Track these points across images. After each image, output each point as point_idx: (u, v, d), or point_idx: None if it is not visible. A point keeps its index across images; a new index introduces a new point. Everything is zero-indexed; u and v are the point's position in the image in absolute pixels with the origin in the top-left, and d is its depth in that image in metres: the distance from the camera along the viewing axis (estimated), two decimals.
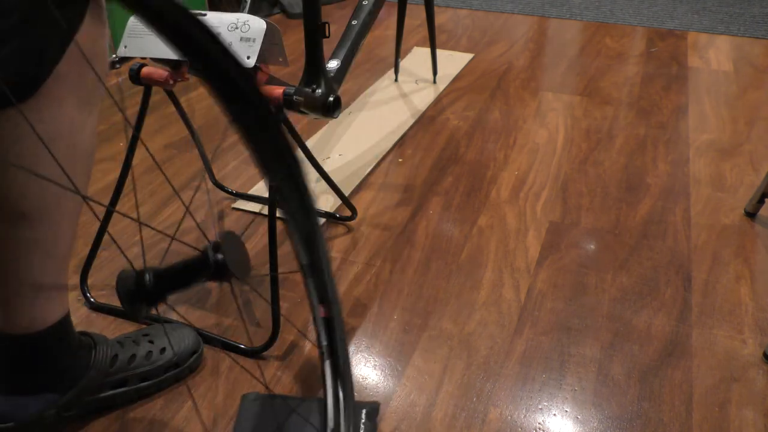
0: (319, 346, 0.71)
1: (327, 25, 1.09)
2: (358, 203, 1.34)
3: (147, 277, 0.49)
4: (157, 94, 1.78)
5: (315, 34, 1.09)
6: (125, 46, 0.93)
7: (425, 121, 1.69)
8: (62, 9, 0.61)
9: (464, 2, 2.72)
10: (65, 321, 0.77)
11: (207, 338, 0.99)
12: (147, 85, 1.00)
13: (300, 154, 1.05)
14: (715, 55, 2.17)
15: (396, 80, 1.93)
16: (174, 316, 1.04)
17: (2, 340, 0.74)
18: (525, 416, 0.88)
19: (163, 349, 0.90)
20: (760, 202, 1.29)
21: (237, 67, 0.48)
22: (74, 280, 1.10)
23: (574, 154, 1.54)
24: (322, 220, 1.28)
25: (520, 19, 2.53)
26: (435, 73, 1.92)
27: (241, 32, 0.89)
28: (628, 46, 2.25)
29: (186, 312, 1.05)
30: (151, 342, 0.90)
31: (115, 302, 1.07)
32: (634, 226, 1.28)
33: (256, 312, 1.05)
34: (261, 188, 1.39)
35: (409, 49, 2.18)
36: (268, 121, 0.53)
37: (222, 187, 1.38)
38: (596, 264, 1.17)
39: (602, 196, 1.38)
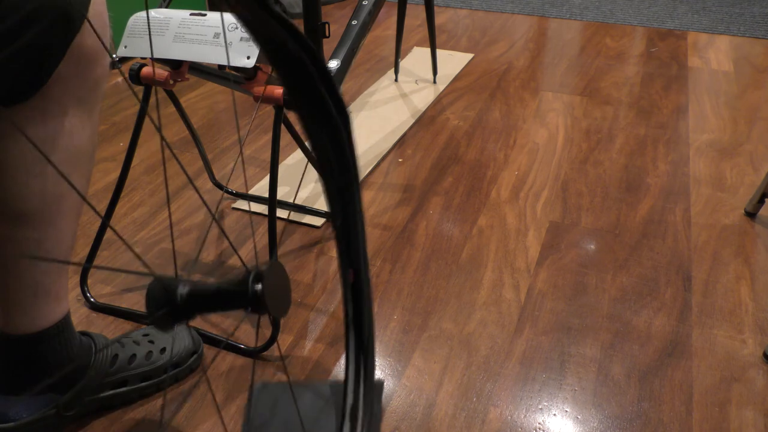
0: (345, 315, 0.67)
1: (327, 25, 1.09)
2: None
3: (180, 291, 0.46)
4: (157, 94, 1.78)
5: (315, 34, 1.09)
6: (125, 46, 0.93)
7: (425, 121, 1.69)
8: (64, 10, 0.60)
9: (464, 2, 2.72)
10: (65, 321, 0.77)
11: (207, 338, 0.99)
12: (147, 85, 1.00)
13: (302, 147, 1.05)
14: (715, 55, 2.17)
15: (396, 80, 1.93)
16: None
17: (2, 340, 0.74)
18: (525, 416, 0.88)
19: (163, 349, 0.90)
20: (760, 202, 1.29)
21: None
22: (74, 280, 1.10)
23: (574, 154, 1.54)
24: (321, 220, 1.28)
25: (520, 19, 2.53)
26: (435, 73, 1.92)
27: (241, 32, 0.89)
28: (628, 46, 2.25)
29: None
30: (151, 342, 0.90)
31: (115, 302, 1.07)
32: (634, 226, 1.28)
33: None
34: (261, 188, 1.39)
35: (409, 49, 2.18)
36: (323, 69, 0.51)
37: (222, 187, 1.38)
38: (596, 264, 1.17)
39: (602, 196, 1.38)
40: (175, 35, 0.90)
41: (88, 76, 0.66)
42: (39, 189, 0.67)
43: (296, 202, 1.33)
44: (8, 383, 0.77)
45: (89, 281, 1.10)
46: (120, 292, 1.09)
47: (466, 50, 2.18)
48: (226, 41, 0.89)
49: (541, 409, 0.90)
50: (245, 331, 1.01)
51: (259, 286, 0.45)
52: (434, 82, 1.92)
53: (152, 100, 1.75)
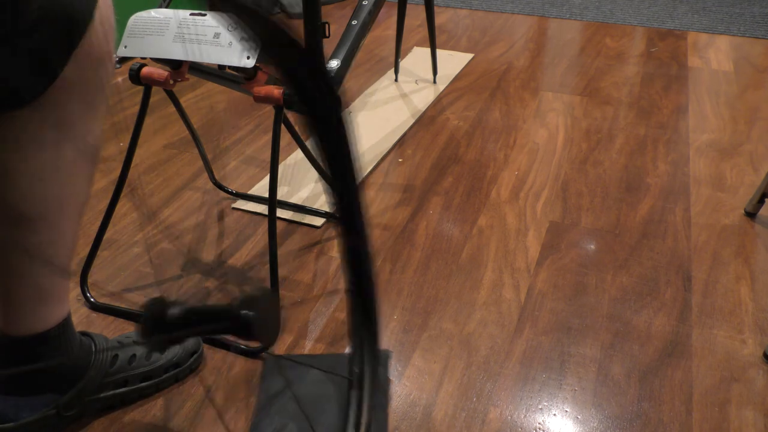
0: (347, 282, 0.66)
1: (327, 25, 1.09)
2: None
3: (174, 312, 0.47)
4: (157, 94, 1.78)
5: (315, 34, 1.09)
6: (125, 46, 0.93)
7: (425, 121, 1.69)
8: (70, 13, 0.60)
9: (464, 2, 2.72)
10: (66, 322, 0.77)
11: (207, 338, 0.99)
12: (147, 85, 1.00)
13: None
14: (715, 55, 2.17)
15: (396, 80, 1.93)
16: None
17: (3, 341, 0.74)
18: (525, 416, 0.88)
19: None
20: (760, 202, 1.29)
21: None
22: (74, 280, 1.10)
23: (574, 154, 1.54)
24: (321, 220, 1.28)
25: (520, 19, 2.53)
26: (435, 73, 1.92)
27: (241, 32, 0.88)
28: (628, 46, 2.25)
29: None
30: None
31: (115, 302, 1.07)
32: (634, 226, 1.28)
33: None
34: (261, 188, 1.39)
35: (409, 49, 2.18)
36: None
37: (222, 187, 1.38)
38: (596, 264, 1.17)
39: (602, 196, 1.38)
40: (175, 35, 0.90)
41: (92, 79, 0.66)
42: (42, 193, 0.67)
43: (296, 202, 1.33)
44: (9, 383, 0.77)
45: (89, 281, 1.10)
46: (120, 292, 1.09)
47: (466, 50, 2.18)
48: (226, 41, 0.89)
49: (541, 409, 0.90)
50: None
51: (249, 314, 0.46)
52: (434, 82, 1.92)
53: (152, 100, 1.75)
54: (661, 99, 1.83)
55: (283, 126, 0.98)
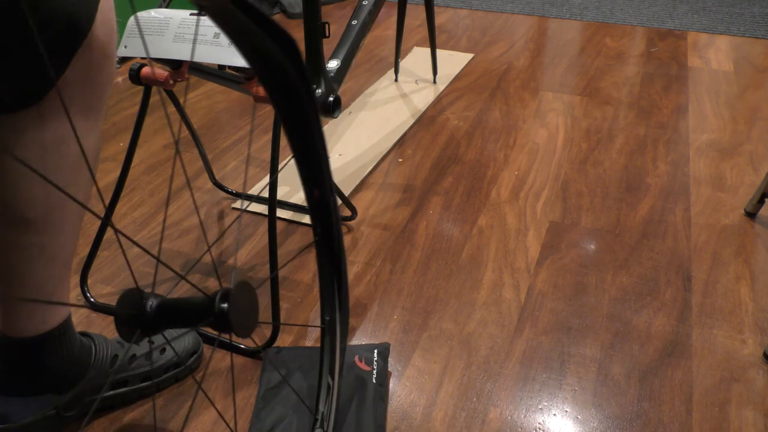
0: (314, 234, 0.68)
1: (327, 25, 1.09)
2: (358, 203, 1.34)
3: (149, 304, 0.47)
4: (157, 94, 1.78)
5: (315, 34, 1.09)
6: (125, 46, 0.93)
7: (425, 121, 1.69)
8: (71, 16, 0.60)
9: (464, 2, 2.72)
10: (66, 323, 0.77)
11: (207, 338, 0.99)
12: (147, 85, 1.00)
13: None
14: (715, 55, 2.17)
15: (396, 80, 1.93)
16: None
17: (4, 342, 0.74)
18: (525, 416, 0.88)
19: (163, 350, 0.90)
20: (760, 202, 1.29)
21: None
22: (74, 280, 1.10)
23: (574, 154, 1.54)
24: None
25: (520, 19, 2.53)
26: (435, 73, 1.92)
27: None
28: (628, 46, 2.25)
29: None
30: (151, 342, 0.90)
31: (115, 302, 1.07)
32: (634, 226, 1.28)
33: None
34: (261, 188, 1.39)
35: (409, 49, 2.18)
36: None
37: (222, 187, 1.38)
38: (596, 264, 1.17)
39: (602, 196, 1.38)
40: (175, 35, 0.90)
41: (93, 82, 0.66)
42: (42, 195, 0.67)
43: (296, 202, 1.33)
44: (9, 384, 0.77)
45: (89, 281, 1.10)
46: (120, 292, 1.09)
47: (466, 50, 2.18)
48: (226, 41, 0.89)
49: (541, 409, 0.90)
50: None
51: (225, 306, 0.46)
52: (434, 82, 1.92)
53: (152, 100, 1.75)
54: (661, 99, 1.83)
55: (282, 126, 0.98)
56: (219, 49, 0.88)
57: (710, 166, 1.49)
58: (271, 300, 1.00)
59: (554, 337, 1.01)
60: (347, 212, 1.28)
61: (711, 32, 2.39)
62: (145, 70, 0.98)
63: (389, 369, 0.95)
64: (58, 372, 0.78)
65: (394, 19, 2.49)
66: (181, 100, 1.79)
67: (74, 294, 1.07)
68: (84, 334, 0.83)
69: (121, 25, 0.76)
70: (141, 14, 0.94)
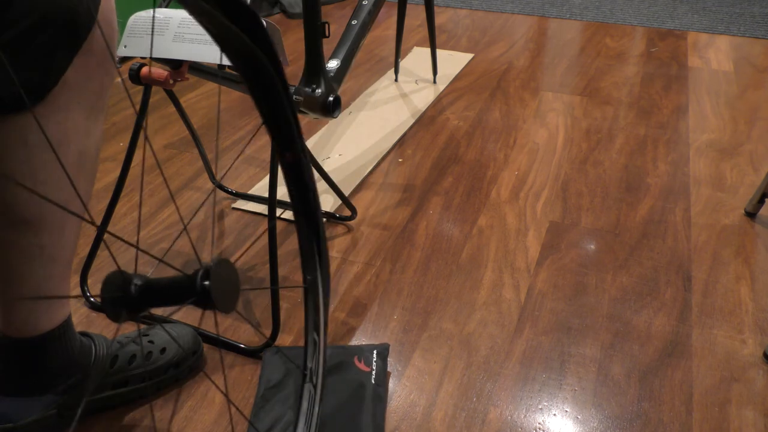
0: (290, 196, 0.69)
1: (327, 25, 1.09)
2: (358, 203, 1.34)
3: (133, 284, 0.48)
4: (157, 94, 1.78)
5: (315, 34, 1.09)
6: (125, 46, 0.93)
7: (425, 121, 1.69)
8: (72, 17, 0.60)
9: (464, 2, 2.72)
10: (67, 324, 0.77)
11: (207, 338, 0.99)
12: (147, 85, 1.00)
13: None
14: (715, 55, 2.17)
15: (396, 80, 1.93)
16: (174, 316, 1.04)
17: (4, 343, 0.74)
18: (525, 416, 0.88)
19: (163, 350, 0.90)
20: (760, 202, 1.29)
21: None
22: (74, 280, 1.10)
23: (574, 154, 1.54)
24: (324, 221, 1.28)
25: (520, 19, 2.53)
26: (435, 73, 1.92)
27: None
28: (628, 46, 2.25)
29: (186, 312, 1.05)
30: (151, 342, 0.90)
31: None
32: (634, 226, 1.28)
33: (256, 312, 1.05)
34: (261, 188, 1.39)
35: (409, 49, 2.18)
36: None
37: (222, 187, 1.38)
38: (596, 264, 1.17)
39: (602, 196, 1.38)
40: (175, 35, 0.90)
41: (94, 82, 0.66)
42: (43, 195, 0.67)
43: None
44: (10, 384, 0.77)
45: (89, 281, 1.10)
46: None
47: (466, 50, 2.18)
48: None
49: (541, 409, 0.90)
50: (245, 330, 1.01)
51: (206, 283, 0.48)
52: (434, 82, 1.92)
53: (152, 100, 1.75)
54: (661, 99, 1.83)
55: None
56: (218, 48, 0.88)
57: (710, 166, 1.49)
58: (271, 300, 1.00)
59: (554, 337, 1.01)
60: (347, 212, 1.28)
61: (711, 32, 2.39)
62: (145, 70, 0.98)
63: (388, 369, 0.95)
64: (58, 372, 0.78)
65: (394, 19, 2.49)
66: (181, 101, 1.79)
67: (74, 294, 1.07)
68: (84, 334, 0.83)
69: (121, 25, 0.76)
70: (141, 14, 0.94)
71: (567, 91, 1.88)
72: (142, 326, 1.00)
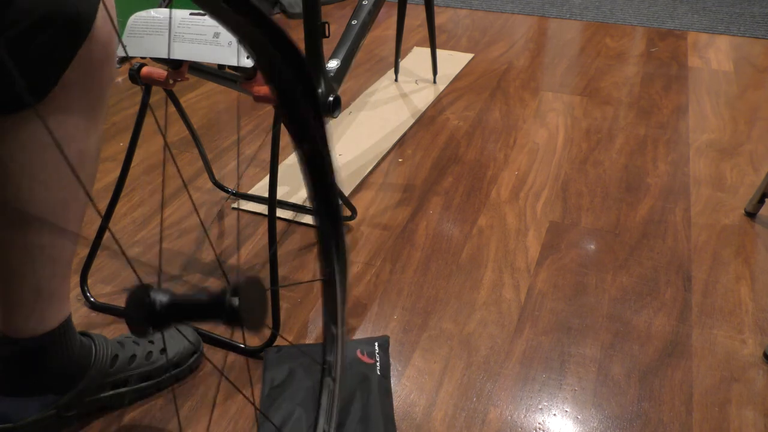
0: (309, 197, 0.69)
1: (327, 25, 1.09)
2: (358, 203, 1.34)
3: (159, 301, 0.48)
4: (157, 94, 1.78)
5: (315, 34, 1.09)
6: (125, 46, 0.93)
7: (425, 120, 1.69)
8: (73, 15, 0.60)
9: (464, 2, 2.72)
10: (67, 324, 0.77)
11: (207, 338, 0.99)
12: (147, 85, 1.00)
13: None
14: (715, 55, 2.17)
15: (396, 80, 1.93)
16: None
17: (4, 343, 0.74)
18: (525, 416, 0.88)
19: (163, 350, 0.90)
20: (760, 202, 1.29)
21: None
22: (74, 280, 1.10)
23: (574, 154, 1.54)
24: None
25: (520, 19, 2.53)
26: (435, 73, 1.92)
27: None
28: (628, 46, 2.25)
29: None
30: (151, 342, 0.90)
31: (115, 302, 1.07)
32: (634, 226, 1.28)
33: None
34: (261, 188, 1.39)
35: (409, 49, 2.18)
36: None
37: (222, 187, 1.38)
38: (596, 264, 1.17)
39: (602, 196, 1.38)
40: (175, 35, 0.90)
41: (94, 83, 0.66)
42: (43, 195, 0.67)
43: (296, 202, 1.33)
44: (9, 384, 0.77)
45: (89, 281, 1.10)
46: (120, 292, 1.09)
47: (466, 50, 2.18)
48: (226, 40, 0.89)
49: (541, 409, 0.90)
50: (245, 330, 1.01)
51: (236, 301, 0.47)
52: (434, 82, 1.92)
53: (153, 99, 1.75)
54: (661, 99, 1.83)
55: (282, 126, 0.98)
56: (219, 49, 0.88)
57: (710, 166, 1.49)
58: (270, 301, 1.00)
59: (554, 337, 1.01)
60: (347, 212, 1.28)
61: (711, 32, 2.39)
62: (145, 70, 0.98)
63: (391, 360, 0.96)
64: (59, 372, 0.78)
65: (394, 19, 2.49)
66: (181, 101, 1.79)
67: (74, 294, 1.07)
68: (84, 334, 0.83)
69: (121, 25, 0.76)
70: (141, 14, 0.94)
71: (567, 91, 1.88)
72: None
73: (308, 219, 1.28)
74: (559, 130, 1.65)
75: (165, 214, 1.30)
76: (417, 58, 2.10)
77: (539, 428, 0.87)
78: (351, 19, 1.33)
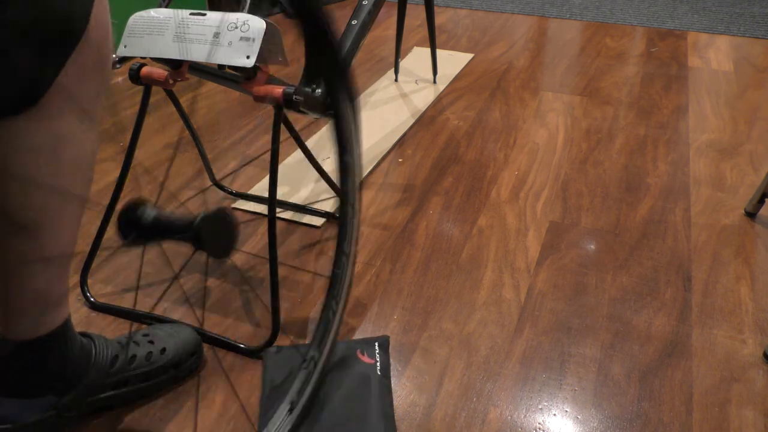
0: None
1: None
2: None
3: (146, 214, 0.53)
4: (157, 94, 1.78)
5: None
6: (125, 46, 0.93)
7: (425, 120, 1.69)
8: (65, 18, 0.60)
9: (464, 2, 2.72)
10: (66, 325, 0.77)
11: (207, 338, 0.99)
12: (147, 85, 1.00)
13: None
14: (715, 55, 2.17)
15: (396, 80, 1.93)
16: (174, 316, 1.04)
17: (4, 344, 0.74)
18: (525, 416, 0.88)
19: (163, 350, 0.90)
20: (760, 202, 1.29)
21: None
22: (74, 279, 1.10)
23: (574, 154, 1.54)
24: (321, 220, 1.28)
25: (520, 19, 2.53)
26: (435, 73, 1.92)
27: (241, 32, 0.89)
28: (628, 46, 2.25)
29: (186, 312, 1.05)
30: (151, 342, 0.90)
31: (115, 302, 1.07)
32: (634, 226, 1.28)
33: (256, 312, 1.05)
34: (261, 188, 1.39)
35: (409, 49, 2.18)
36: None
37: (222, 187, 1.38)
38: (596, 264, 1.17)
39: (602, 196, 1.38)
40: (175, 35, 0.90)
41: (89, 86, 0.66)
42: (40, 200, 0.66)
43: (296, 202, 1.33)
44: (10, 385, 0.77)
45: (89, 281, 1.10)
46: (120, 292, 1.09)
47: (466, 50, 2.18)
48: (226, 40, 0.89)
49: (541, 409, 0.90)
50: (245, 330, 1.01)
51: (201, 226, 0.53)
52: (434, 82, 1.92)
53: (152, 100, 1.75)
54: (661, 99, 1.83)
55: (283, 126, 0.98)
56: (219, 48, 0.88)
57: (710, 166, 1.49)
58: (270, 301, 1.00)
59: (554, 337, 1.01)
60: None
61: (711, 32, 2.39)
62: (145, 69, 0.98)
63: (390, 360, 0.96)
64: (58, 373, 0.78)
65: (394, 19, 2.49)
66: (181, 100, 1.79)
67: (74, 294, 1.07)
68: (84, 334, 0.83)
69: (119, 26, 0.76)
70: (141, 14, 0.94)
71: (567, 91, 1.88)
72: (143, 327, 1.00)
73: (308, 219, 1.28)
74: (559, 130, 1.65)
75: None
76: (417, 58, 2.10)
77: (539, 428, 0.87)
78: (351, 19, 1.33)
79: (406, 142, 1.59)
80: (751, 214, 1.31)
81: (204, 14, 0.92)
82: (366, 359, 0.93)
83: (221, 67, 0.91)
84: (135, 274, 1.14)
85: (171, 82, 0.97)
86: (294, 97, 0.92)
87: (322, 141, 1.59)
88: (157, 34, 0.91)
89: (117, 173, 1.43)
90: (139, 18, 0.93)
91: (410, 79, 1.94)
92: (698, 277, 1.14)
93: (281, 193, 1.36)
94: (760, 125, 1.69)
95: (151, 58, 0.93)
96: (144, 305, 1.06)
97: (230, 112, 1.74)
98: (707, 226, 1.28)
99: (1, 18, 0.57)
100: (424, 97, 1.82)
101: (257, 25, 0.88)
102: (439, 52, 2.13)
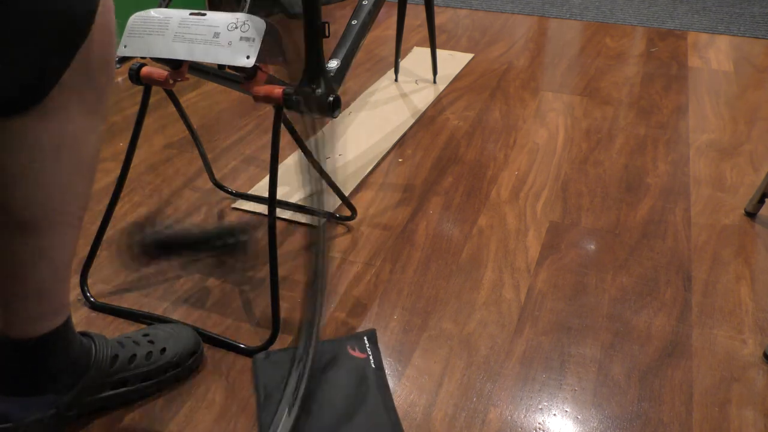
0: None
1: (327, 25, 1.09)
2: (358, 203, 1.34)
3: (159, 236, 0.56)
4: (157, 94, 1.78)
5: (315, 34, 1.09)
6: (125, 46, 0.93)
7: (425, 120, 1.69)
8: (70, 18, 0.60)
9: (464, 2, 2.72)
10: (67, 324, 0.77)
11: (207, 338, 0.99)
12: (147, 85, 1.00)
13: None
14: (715, 55, 2.17)
15: (396, 80, 1.93)
16: (174, 316, 1.04)
17: (4, 343, 0.74)
18: (525, 416, 0.88)
19: (163, 350, 0.90)
20: (761, 202, 1.29)
21: None
22: (74, 279, 1.10)
23: (574, 154, 1.54)
24: (321, 220, 1.28)
25: (520, 19, 2.53)
26: (435, 73, 1.92)
27: (241, 32, 0.89)
28: (628, 46, 2.25)
29: (186, 312, 1.05)
30: (151, 342, 0.90)
31: (115, 302, 1.07)
32: (634, 226, 1.28)
33: (256, 312, 1.05)
34: (261, 188, 1.39)
35: (409, 49, 2.18)
36: None
37: (222, 187, 1.38)
38: (596, 264, 1.17)
39: (602, 196, 1.38)
40: (175, 35, 0.90)
41: (93, 85, 0.66)
42: (42, 199, 0.66)
43: (296, 202, 1.33)
44: (10, 385, 0.77)
45: (89, 281, 1.10)
46: (120, 292, 1.09)
47: (466, 50, 2.18)
48: (226, 40, 0.89)
49: (541, 409, 0.90)
50: (245, 330, 1.01)
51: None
52: (434, 82, 1.92)
53: (152, 100, 1.75)
54: (661, 99, 1.83)
55: (282, 126, 0.98)
56: (219, 48, 0.88)
57: (710, 166, 1.49)
58: (270, 301, 1.00)
59: (554, 337, 1.01)
60: (347, 212, 1.28)
61: (711, 32, 2.39)
62: (145, 69, 0.98)
63: (379, 347, 0.98)
64: (58, 372, 0.78)
65: (394, 19, 2.49)
66: (181, 100, 1.79)
67: (74, 294, 1.07)
68: (84, 334, 0.83)
69: (120, 26, 0.76)
70: (141, 14, 0.94)
71: (567, 91, 1.88)
72: (143, 327, 1.00)
73: (308, 219, 1.28)
74: (559, 130, 1.65)
75: (165, 213, 1.30)
76: (417, 58, 2.10)
77: (539, 428, 0.87)
78: (351, 19, 1.33)
79: (406, 142, 1.59)
80: (751, 214, 1.31)
81: (204, 14, 0.92)
82: (358, 354, 0.94)
83: (221, 67, 0.91)
84: (135, 274, 1.14)
85: (171, 82, 0.97)
86: (294, 97, 0.92)
87: (322, 141, 1.59)
88: (157, 34, 0.91)
89: (117, 173, 1.43)
90: (139, 18, 0.93)
91: (410, 79, 1.94)
92: (698, 277, 1.14)
93: (281, 193, 1.36)
94: (760, 125, 1.69)
95: (151, 58, 0.93)
96: (144, 305, 1.06)
97: (230, 112, 1.74)
98: (707, 226, 1.28)
99: (6, 17, 0.57)
100: (424, 97, 1.82)
101: (257, 25, 0.88)
102: (439, 52, 2.13)
